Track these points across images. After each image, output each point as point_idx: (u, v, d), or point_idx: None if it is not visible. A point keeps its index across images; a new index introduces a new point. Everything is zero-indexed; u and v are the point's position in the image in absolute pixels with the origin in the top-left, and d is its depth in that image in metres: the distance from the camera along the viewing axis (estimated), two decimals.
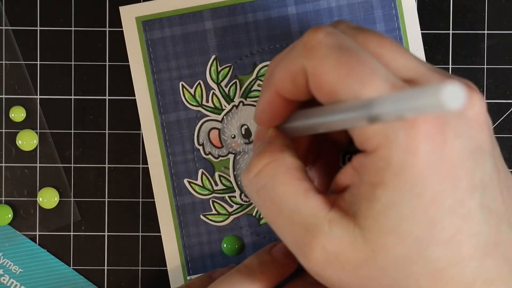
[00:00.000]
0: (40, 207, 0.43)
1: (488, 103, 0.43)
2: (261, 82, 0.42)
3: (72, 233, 0.43)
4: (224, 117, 0.42)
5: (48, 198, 0.43)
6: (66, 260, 0.43)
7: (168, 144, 0.42)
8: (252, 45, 0.42)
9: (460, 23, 0.43)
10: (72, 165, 0.43)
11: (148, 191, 0.43)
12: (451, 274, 0.28)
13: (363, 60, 0.28)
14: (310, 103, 0.31)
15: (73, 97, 0.43)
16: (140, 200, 0.43)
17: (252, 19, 0.42)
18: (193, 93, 0.42)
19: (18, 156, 0.43)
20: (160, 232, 0.43)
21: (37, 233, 0.43)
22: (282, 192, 0.30)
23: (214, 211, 0.42)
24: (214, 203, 0.42)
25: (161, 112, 0.42)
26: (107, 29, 0.43)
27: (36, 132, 0.43)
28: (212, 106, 0.42)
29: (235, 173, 0.42)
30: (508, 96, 0.43)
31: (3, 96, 0.43)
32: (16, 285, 0.43)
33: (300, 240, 0.30)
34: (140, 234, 0.43)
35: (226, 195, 0.42)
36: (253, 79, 0.42)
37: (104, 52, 0.43)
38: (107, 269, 0.43)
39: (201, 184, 0.42)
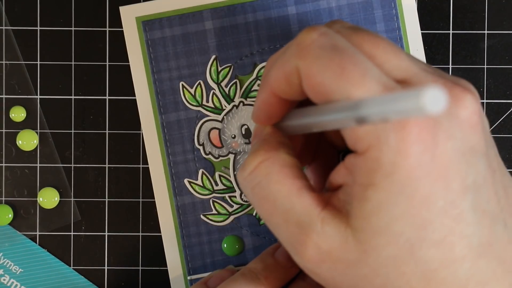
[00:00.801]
0: (40, 207, 0.43)
1: (488, 103, 0.43)
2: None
3: (72, 233, 0.43)
4: (224, 117, 0.42)
5: (48, 198, 0.43)
6: (66, 260, 0.43)
7: (168, 144, 0.42)
8: (252, 45, 0.42)
9: (460, 23, 0.43)
10: (72, 165, 0.43)
11: (148, 191, 0.43)
12: (444, 276, 0.28)
13: (355, 61, 0.28)
14: (309, 101, 0.31)
15: (73, 97, 0.43)
16: (140, 200, 0.43)
17: (252, 19, 0.42)
18: (193, 93, 0.42)
19: (18, 156, 0.43)
20: (160, 232, 0.43)
21: (37, 233, 0.43)
22: (276, 190, 0.30)
23: (214, 211, 0.42)
24: (214, 203, 0.42)
25: (161, 112, 0.42)
26: (107, 29, 0.43)
27: (36, 132, 0.43)
28: (212, 106, 0.42)
29: (235, 173, 0.42)
30: (508, 96, 0.43)
31: (3, 96, 0.43)
32: (16, 285, 0.43)
33: (294, 237, 0.30)
34: (140, 234, 0.43)
35: (226, 195, 0.42)
36: (253, 79, 0.42)
37: (104, 52, 0.43)
38: (107, 269, 0.43)
39: (201, 184, 0.42)
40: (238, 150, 0.42)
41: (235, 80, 0.42)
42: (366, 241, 0.28)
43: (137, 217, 0.43)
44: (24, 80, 0.43)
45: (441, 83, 0.29)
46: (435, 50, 0.43)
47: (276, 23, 0.42)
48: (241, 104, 0.42)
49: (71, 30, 0.43)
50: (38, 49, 0.43)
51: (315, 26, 0.30)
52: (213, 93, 0.42)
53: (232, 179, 0.42)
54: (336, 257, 0.29)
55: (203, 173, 0.42)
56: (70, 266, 0.43)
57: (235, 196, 0.42)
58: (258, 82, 0.42)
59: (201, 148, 0.42)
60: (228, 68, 0.42)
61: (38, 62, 0.43)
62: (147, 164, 0.43)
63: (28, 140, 0.42)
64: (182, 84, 0.42)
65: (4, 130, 0.43)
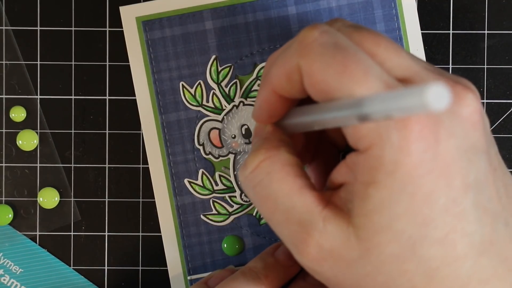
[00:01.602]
0: (40, 207, 0.43)
1: (488, 103, 0.43)
2: None
3: (72, 233, 0.43)
4: (225, 117, 0.42)
5: (48, 198, 0.43)
6: (66, 260, 0.43)
7: (168, 144, 0.42)
8: (252, 45, 0.42)
9: (460, 23, 0.43)
10: (72, 165, 0.43)
11: (148, 191, 0.43)
12: (446, 273, 0.28)
13: (357, 59, 0.28)
14: (310, 100, 0.31)
15: (73, 97, 0.43)
16: (140, 200, 0.43)
17: (252, 19, 0.42)
18: (193, 93, 0.42)
19: (18, 156, 0.43)
20: (160, 232, 0.43)
21: (37, 233, 0.43)
22: (278, 189, 0.30)
23: (214, 211, 0.42)
24: (214, 203, 0.42)
25: (161, 112, 0.42)
26: (107, 29, 0.43)
27: (36, 132, 0.43)
28: (213, 106, 0.42)
29: (235, 173, 0.42)
30: (508, 96, 0.43)
31: (3, 96, 0.43)
32: (16, 285, 0.43)
33: (295, 236, 0.30)
34: (140, 234, 0.43)
35: (227, 195, 0.42)
36: (253, 79, 0.42)
37: (104, 52, 0.43)
38: (107, 269, 0.43)
39: (202, 184, 0.42)
40: (238, 150, 0.42)
41: (235, 80, 0.42)
42: (368, 239, 0.28)
43: (137, 217, 0.43)
44: (24, 80, 0.43)
45: (443, 81, 0.29)
46: (435, 50, 0.43)
47: (276, 23, 0.42)
48: (241, 104, 0.42)
49: (71, 30, 0.43)
50: (38, 49, 0.43)
51: (316, 24, 0.30)
52: (213, 93, 0.42)
53: (232, 179, 0.42)
54: (338, 255, 0.29)
55: (203, 173, 0.42)
56: (70, 266, 0.43)
57: (235, 196, 0.42)
58: (258, 82, 0.42)
59: (201, 148, 0.42)
60: (228, 68, 0.42)
61: (38, 62, 0.43)
62: (147, 164, 0.43)
63: (28, 140, 0.42)
64: (182, 84, 0.42)
65: (4, 130, 0.43)
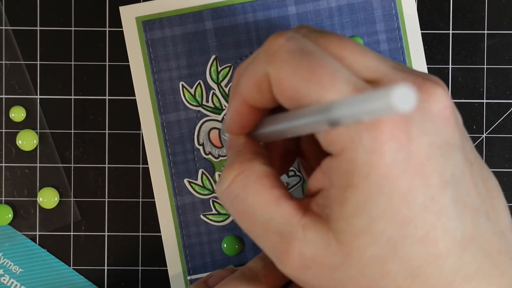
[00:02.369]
0: (40, 207, 0.43)
1: (488, 103, 0.43)
2: None
3: (72, 233, 0.43)
4: (224, 117, 0.42)
5: (48, 198, 0.43)
6: (66, 260, 0.43)
7: (168, 144, 0.42)
8: (252, 45, 0.42)
9: (460, 23, 0.43)
10: (72, 165, 0.43)
11: (148, 191, 0.43)
12: (429, 272, 0.28)
13: (324, 63, 0.28)
14: (282, 108, 0.31)
15: (73, 97, 0.43)
16: (140, 200, 0.43)
17: (252, 19, 0.42)
18: (193, 93, 0.42)
19: (18, 156, 0.43)
20: (160, 232, 0.43)
21: (37, 233, 0.43)
22: (254, 202, 0.30)
23: (214, 211, 0.42)
24: (214, 203, 0.42)
25: (161, 112, 0.42)
26: (107, 29, 0.43)
27: (36, 132, 0.43)
28: (212, 106, 0.42)
29: None
30: (508, 96, 0.43)
31: (3, 96, 0.43)
32: (16, 285, 0.43)
33: (276, 247, 0.30)
34: (140, 234, 0.43)
35: None
36: None
37: (104, 52, 0.43)
38: (107, 269, 0.43)
39: (201, 184, 0.42)
40: None
41: None
42: (349, 243, 0.28)
43: (137, 217, 0.43)
44: (24, 80, 0.43)
45: (411, 80, 0.29)
46: (435, 50, 0.43)
47: (276, 23, 0.42)
48: None
49: (71, 30, 0.43)
50: (38, 49, 0.43)
51: (281, 32, 0.30)
52: (213, 93, 0.42)
53: None
54: (320, 262, 0.29)
55: (203, 173, 0.42)
56: (70, 266, 0.43)
57: None
58: None
59: (201, 148, 0.42)
60: (228, 68, 0.42)
61: (38, 62, 0.43)
62: (147, 164, 0.43)
63: (28, 140, 0.42)
64: (182, 84, 0.42)
65: (4, 130, 0.43)
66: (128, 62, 0.42)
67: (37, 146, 0.43)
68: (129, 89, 0.43)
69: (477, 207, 0.29)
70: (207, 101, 0.42)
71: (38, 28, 0.43)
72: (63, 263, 0.43)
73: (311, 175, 0.30)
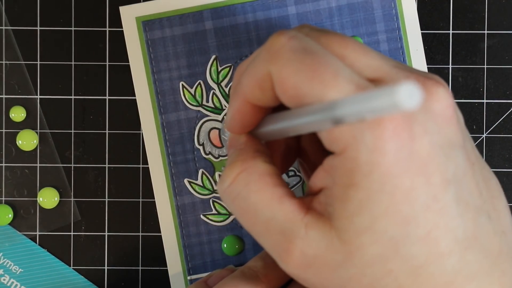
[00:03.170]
0: (40, 207, 0.43)
1: (488, 103, 0.43)
2: None
3: (72, 233, 0.43)
4: (224, 117, 0.42)
5: (48, 198, 0.43)
6: (66, 260, 0.43)
7: (168, 144, 0.42)
8: (252, 45, 0.42)
9: (460, 23, 0.43)
10: (72, 165, 0.43)
11: (148, 191, 0.43)
12: (431, 271, 0.28)
13: (326, 62, 0.28)
14: (283, 107, 0.31)
15: (73, 97, 0.43)
16: (140, 200, 0.43)
17: (252, 19, 0.42)
18: (193, 93, 0.42)
19: (18, 156, 0.43)
20: (160, 232, 0.43)
21: (37, 233, 0.43)
22: (257, 200, 0.30)
23: (214, 211, 0.42)
24: (214, 203, 0.42)
25: (161, 112, 0.42)
26: (107, 29, 0.43)
27: (36, 132, 0.43)
28: (212, 106, 0.42)
29: None
30: (508, 96, 0.43)
31: (3, 96, 0.43)
32: (16, 285, 0.43)
33: (278, 246, 0.30)
34: (140, 234, 0.43)
35: None
36: None
37: (104, 52, 0.43)
38: (107, 269, 0.43)
39: (201, 184, 0.42)
40: None
41: None
42: (351, 241, 0.28)
43: (137, 217, 0.43)
44: (24, 80, 0.43)
45: (413, 79, 0.29)
46: (435, 50, 0.43)
47: (276, 23, 0.42)
48: None
49: (71, 30, 0.43)
50: (38, 49, 0.43)
51: (284, 31, 0.30)
52: (213, 93, 0.42)
53: None
54: (322, 260, 0.29)
55: (203, 173, 0.42)
56: (70, 266, 0.43)
57: None
58: None
59: (201, 148, 0.42)
60: (228, 68, 0.42)
61: (38, 62, 0.43)
62: (147, 164, 0.43)
63: (28, 140, 0.42)
64: (182, 84, 0.42)
65: (4, 130, 0.43)
66: (128, 62, 0.42)
67: (37, 146, 0.43)
68: (129, 89, 0.43)
69: (479, 207, 0.29)
70: (207, 101, 0.42)
71: (38, 28, 0.43)
72: (63, 263, 0.43)
73: (313, 173, 0.30)
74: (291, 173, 0.43)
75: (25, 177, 0.43)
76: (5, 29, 0.43)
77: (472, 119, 0.43)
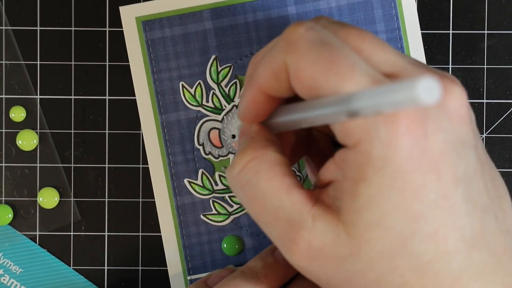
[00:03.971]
0: (40, 207, 0.43)
1: (488, 103, 0.43)
2: None
3: (72, 233, 0.43)
4: (224, 117, 0.42)
5: (48, 198, 0.43)
6: (66, 260, 0.43)
7: (168, 144, 0.42)
8: (252, 45, 0.42)
9: (460, 23, 0.43)
10: (72, 165, 0.43)
11: (148, 191, 0.43)
12: (437, 268, 0.28)
13: (343, 55, 0.28)
14: (296, 98, 0.31)
15: (73, 97, 0.43)
16: (140, 200, 0.43)
17: (252, 19, 0.42)
18: (193, 93, 0.42)
19: (18, 156, 0.43)
20: (160, 232, 0.43)
21: (37, 233, 0.43)
22: (266, 188, 0.30)
23: (214, 211, 0.42)
24: (214, 203, 0.42)
25: (161, 112, 0.42)
26: (107, 29, 0.43)
27: (36, 132, 0.43)
28: (212, 106, 0.42)
29: None
30: (508, 96, 0.43)
31: (3, 96, 0.43)
32: (16, 285, 0.43)
33: (285, 235, 0.30)
34: (140, 234, 0.43)
35: (226, 195, 0.42)
36: None
37: (104, 52, 0.43)
38: (107, 269, 0.43)
39: (201, 184, 0.42)
40: None
41: (235, 80, 0.42)
42: (359, 236, 0.28)
43: (137, 217, 0.43)
44: (24, 80, 0.43)
45: (430, 75, 0.29)
46: (435, 50, 0.43)
47: (276, 23, 0.42)
48: None
49: (71, 30, 0.43)
50: (38, 49, 0.43)
51: (302, 21, 0.30)
52: (213, 93, 0.42)
53: None
54: (328, 253, 0.29)
55: (203, 173, 0.42)
56: (70, 266, 0.43)
57: (235, 196, 0.42)
58: None
59: (201, 148, 0.42)
60: (228, 68, 0.42)
61: (38, 62, 0.43)
62: (147, 164, 0.43)
63: (28, 140, 0.42)
64: (182, 84, 0.42)
65: (4, 130, 0.43)
66: (128, 62, 0.42)
67: (37, 146, 0.43)
68: (129, 89, 0.43)
69: (486, 206, 0.29)
70: (207, 101, 0.42)
71: (38, 28, 0.43)
72: (63, 263, 0.43)
73: (323, 166, 0.30)
74: None
75: (25, 177, 0.43)
76: (5, 29, 0.43)
77: None
